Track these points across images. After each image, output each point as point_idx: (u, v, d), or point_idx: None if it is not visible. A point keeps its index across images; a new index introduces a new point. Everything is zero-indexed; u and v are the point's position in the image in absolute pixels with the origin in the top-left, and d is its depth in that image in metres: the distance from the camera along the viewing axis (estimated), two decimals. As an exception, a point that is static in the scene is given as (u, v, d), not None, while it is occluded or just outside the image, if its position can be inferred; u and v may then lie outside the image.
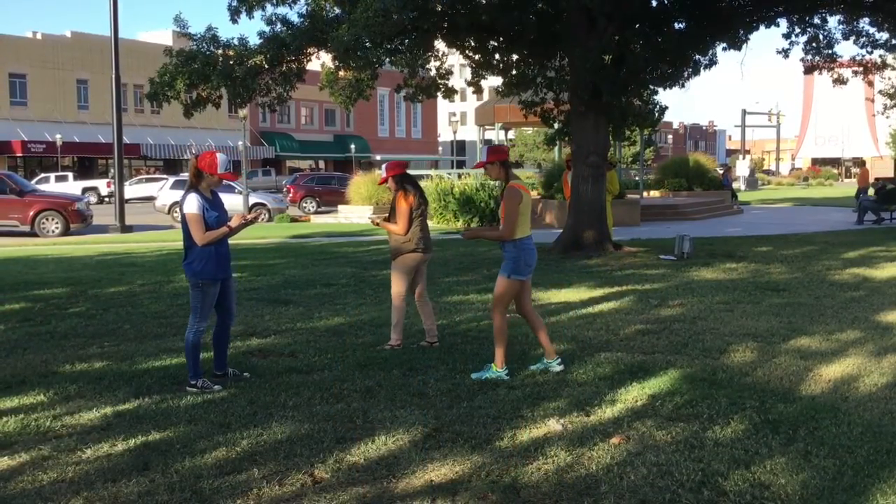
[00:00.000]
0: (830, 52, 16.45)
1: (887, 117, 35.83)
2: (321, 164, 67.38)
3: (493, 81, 17.27)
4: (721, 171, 35.68)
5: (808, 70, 17.52)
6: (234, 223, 5.74)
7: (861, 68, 17.89)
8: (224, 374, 6.08)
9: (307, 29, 13.76)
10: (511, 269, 6.07)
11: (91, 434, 4.89)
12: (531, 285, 6.52)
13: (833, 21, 16.73)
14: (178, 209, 29.24)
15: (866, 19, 16.42)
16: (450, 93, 16.67)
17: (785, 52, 16.69)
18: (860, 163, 31.57)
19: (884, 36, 16.66)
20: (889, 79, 31.31)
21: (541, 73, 15.63)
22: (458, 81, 18.53)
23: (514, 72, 16.02)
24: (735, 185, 38.91)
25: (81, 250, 16.92)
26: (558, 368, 6.21)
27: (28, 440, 4.80)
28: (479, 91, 16.94)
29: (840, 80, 17.77)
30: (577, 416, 5.13)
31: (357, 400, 5.51)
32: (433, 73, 16.66)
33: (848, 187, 54.93)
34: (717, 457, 4.40)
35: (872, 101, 33.88)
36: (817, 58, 16.59)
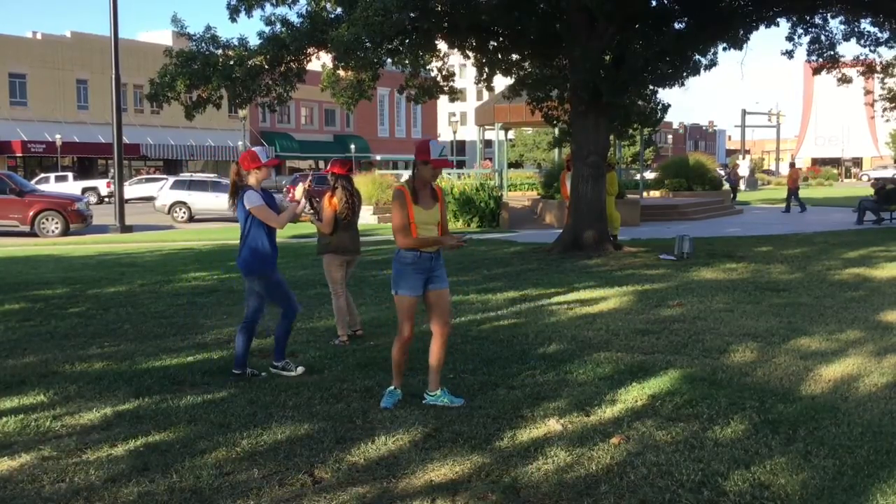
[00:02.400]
0: (833, 52, 16.45)
1: (887, 120, 35.78)
2: (321, 164, 67.36)
3: (499, 80, 17.26)
4: (727, 170, 35.32)
5: (817, 71, 17.51)
6: (298, 195, 6.21)
7: (865, 68, 17.90)
8: (242, 373, 6.18)
9: (307, 29, 13.76)
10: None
11: (91, 434, 4.89)
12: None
13: (835, 22, 16.69)
14: (177, 209, 29.20)
15: (868, 20, 16.41)
16: (453, 93, 16.66)
17: (789, 54, 16.71)
18: (791, 164, 31.53)
19: (885, 35, 16.66)
20: (887, 83, 31.29)
21: (552, 71, 15.61)
22: (459, 82, 18.53)
23: (520, 72, 16.02)
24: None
25: (81, 250, 16.92)
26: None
27: (28, 440, 4.80)
28: (491, 89, 16.94)
29: (845, 80, 17.77)
30: (577, 416, 5.13)
31: (357, 400, 5.51)
32: (435, 73, 16.66)
33: (847, 188, 54.99)
34: (717, 457, 4.40)
35: (872, 105, 33.85)
36: (821, 59, 16.58)
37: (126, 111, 43.30)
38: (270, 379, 6.06)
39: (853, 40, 16.69)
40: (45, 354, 6.97)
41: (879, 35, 16.69)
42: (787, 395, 5.57)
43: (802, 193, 29.84)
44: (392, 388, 5.51)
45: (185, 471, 4.28)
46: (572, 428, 4.91)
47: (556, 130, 17.20)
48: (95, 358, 6.83)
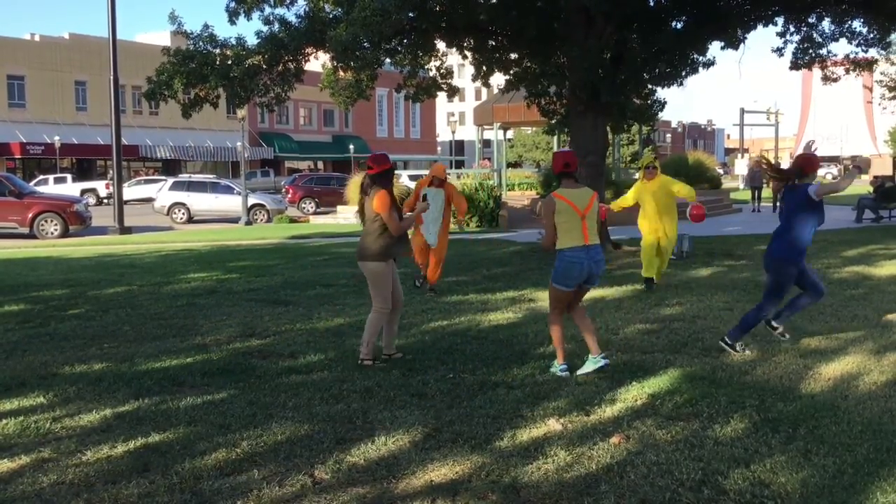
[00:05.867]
0: (824, 51, 16.41)
1: (884, 108, 35.76)
2: (320, 164, 67.35)
3: (497, 78, 17.26)
4: (751, 166, 33.93)
5: (794, 67, 17.45)
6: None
7: (853, 66, 17.84)
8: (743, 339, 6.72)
9: (306, 29, 13.75)
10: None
11: (91, 436, 4.88)
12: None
13: (827, 21, 16.55)
14: (176, 210, 29.12)
15: (859, 19, 16.37)
16: (452, 91, 16.65)
17: (780, 51, 16.69)
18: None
19: (876, 35, 16.63)
20: (885, 73, 31.25)
21: (549, 69, 15.58)
22: (458, 81, 18.50)
23: (516, 68, 16.02)
24: (734, 185, 38.54)
25: (80, 252, 16.91)
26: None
27: (28, 442, 4.80)
28: (488, 85, 16.92)
29: (830, 78, 17.72)
30: (577, 415, 5.13)
31: (357, 400, 5.51)
32: (433, 72, 16.65)
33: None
34: (717, 455, 4.40)
35: (871, 102, 33.88)
36: (807, 57, 16.53)
37: (125, 113, 43.22)
38: (269, 380, 6.06)
39: (843, 40, 16.67)
40: (44, 356, 6.96)
41: (870, 35, 16.66)
42: (787, 393, 5.57)
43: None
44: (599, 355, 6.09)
45: (185, 472, 4.28)
46: (572, 427, 4.91)
47: (554, 121, 17.09)
48: (95, 359, 6.82)
